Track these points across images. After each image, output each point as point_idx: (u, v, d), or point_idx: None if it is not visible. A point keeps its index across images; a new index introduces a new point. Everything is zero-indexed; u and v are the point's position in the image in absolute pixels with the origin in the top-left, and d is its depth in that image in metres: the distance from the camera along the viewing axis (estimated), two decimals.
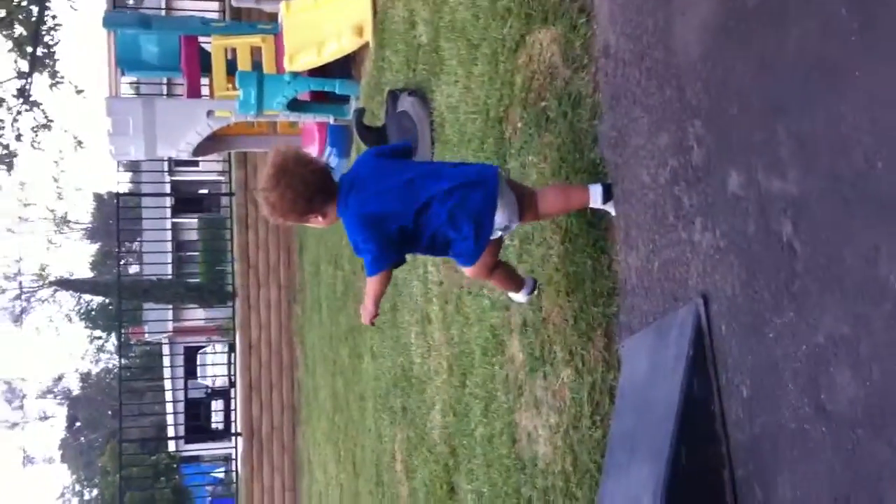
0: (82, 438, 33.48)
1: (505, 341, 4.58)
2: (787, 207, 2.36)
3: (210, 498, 23.46)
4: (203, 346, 24.24)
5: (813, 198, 2.27)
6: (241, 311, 13.85)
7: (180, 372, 24.75)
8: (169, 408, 24.36)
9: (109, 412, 27.19)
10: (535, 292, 4.16)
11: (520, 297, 4.20)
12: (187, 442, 23.81)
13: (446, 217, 3.42)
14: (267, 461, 13.45)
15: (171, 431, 24.30)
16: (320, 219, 3.58)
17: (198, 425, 23.36)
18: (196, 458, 25.61)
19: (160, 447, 23.69)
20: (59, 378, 37.18)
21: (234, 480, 14.78)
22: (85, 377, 35.95)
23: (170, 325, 25.49)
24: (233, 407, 15.03)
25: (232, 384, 16.26)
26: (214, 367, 22.95)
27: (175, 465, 22.02)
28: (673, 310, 3.03)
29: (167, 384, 25.03)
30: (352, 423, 9.21)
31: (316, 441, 11.80)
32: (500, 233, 3.62)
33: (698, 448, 2.73)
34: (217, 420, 22.43)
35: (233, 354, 15.15)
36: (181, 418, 23.34)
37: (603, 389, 3.58)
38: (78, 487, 32.07)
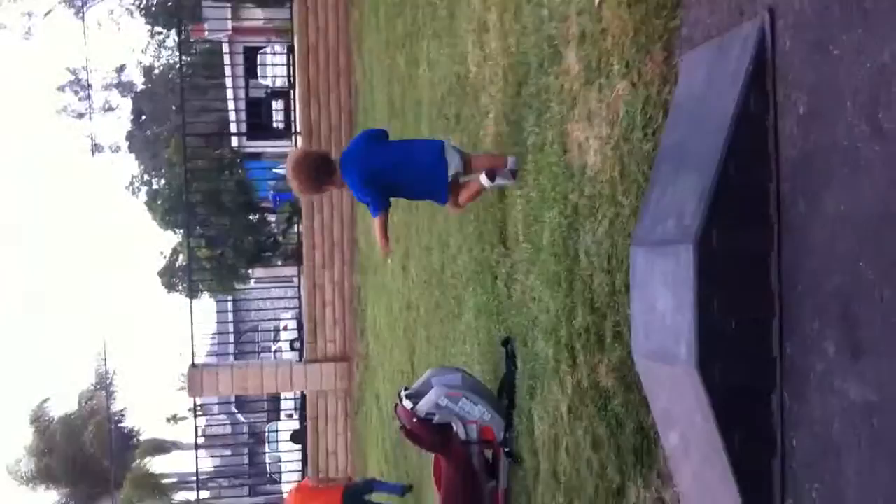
0: (148, 131, 34.45)
1: (562, 52, 4.50)
2: None
3: (272, 192, 24.36)
4: (262, 47, 24.14)
5: None
6: (299, 13, 13.65)
7: (241, 71, 24.84)
8: (231, 105, 24.74)
9: (173, 107, 27.75)
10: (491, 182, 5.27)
11: (484, 180, 5.30)
12: (249, 139, 24.38)
13: (420, 175, 5.18)
14: None
15: (233, 128, 24.86)
16: (331, 187, 5.34)
17: (259, 123, 23.78)
18: (258, 155, 26.35)
19: (223, 142, 24.35)
20: (122, 68, 37.63)
21: None
22: (147, 71, 36.34)
23: (229, 25, 25.27)
24: (292, 107, 15.21)
25: (291, 85, 16.37)
26: (274, 67, 22.98)
27: (238, 160, 22.68)
28: (738, 24, 2.94)
29: (228, 82, 25.25)
30: (407, 128, 9.32)
31: None
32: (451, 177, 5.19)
33: (748, 161, 2.75)
34: (278, 119, 22.78)
35: (291, 56, 15.11)
36: (242, 116, 23.74)
37: (657, 103, 3.56)
38: (146, 177, 33.44)
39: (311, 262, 13.74)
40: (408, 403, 5.56)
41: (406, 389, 5.75)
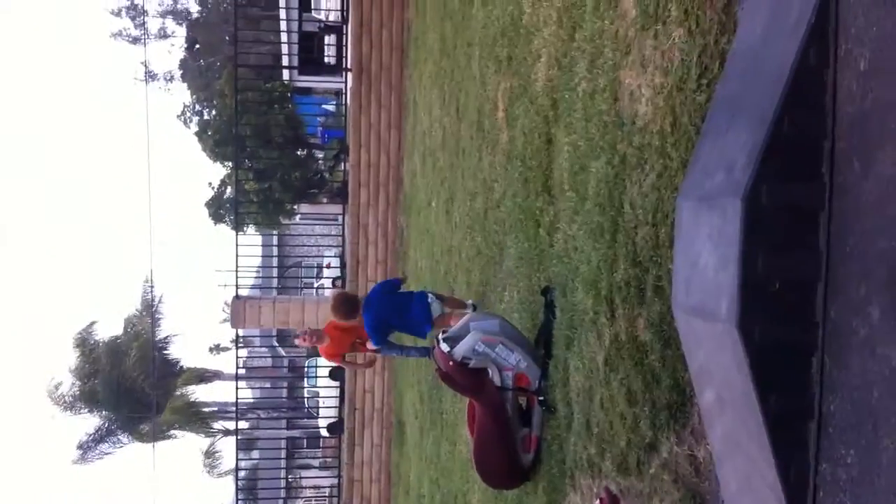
0: (201, 60, 34.53)
1: None
2: None
3: (321, 128, 24.35)
4: None
5: None
6: None
7: (295, 3, 24.67)
8: (283, 38, 24.63)
9: (227, 37, 27.72)
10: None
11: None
12: (300, 73, 24.30)
13: (413, 321, 7.53)
14: (375, 98, 13.74)
15: (284, 62, 24.79)
16: (354, 320, 7.52)
17: (311, 58, 23.67)
18: (308, 91, 26.29)
19: (274, 75, 24.31)
20: None
21: (344, 114, 15.24)
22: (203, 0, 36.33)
23: None
24: (344, 43, 15.11)
25: (344, 20, 16.25)
26: (328, 1, 22.79)
27: (289, 94, 22.63)
28: None
29: (282, 13, 25.12)
30: (458, 68, 9.22)
31: (422, 83, 11.92)
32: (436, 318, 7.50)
33: (803, 116, 2.65)
34: (329, 55, 22.66)
35: None
36: (295, 49, 23.64)
37: (714, 53, 3.46)
38: (197, 107, 33.59)
39: (356, 200, 13.77)
40: (445, 346, 5.56)
41: (444, 332, 5.75)
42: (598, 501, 4.17)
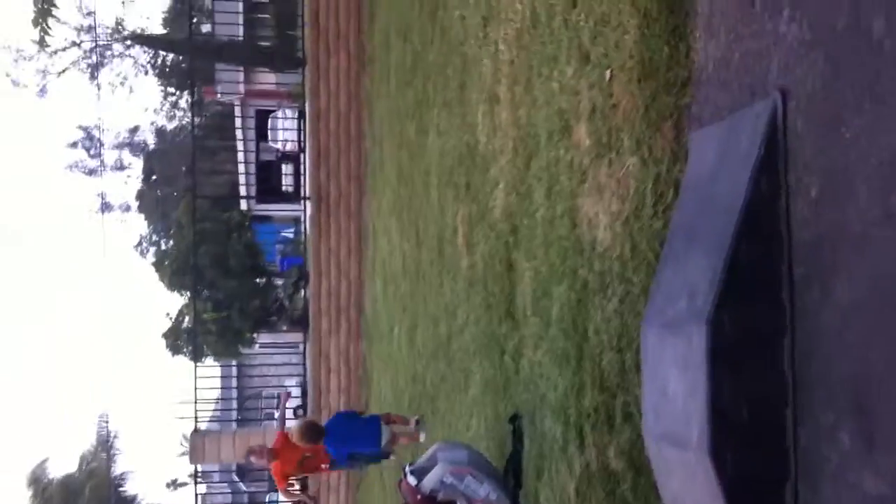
0: (158, 191, 34.65)
1: (572, 126, 4.50)
2: (883, 3, 2.21)
3: (280, 256, 24.36)
4: (274, 111, 24.37)
5: None
6: (311, 78, 13.81)
7: (252, 134, 25.05)
8: (241, 168, 24.90)
9: (184, 168, 27.97)
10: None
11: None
12: (259, 202, 24.47)
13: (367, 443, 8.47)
14: (334, 226, 13.83)
15: (242, 191, 24.98)
16: (319, 445, 8.24)
17: (269, 187, 23.89)
18: (267, 218, 26.43)
19: (232, 205, 24.46)
20: (135, 129, 37.90)
21: (304, 241, 15.29)
22: (160, 132, 36.69)
23: (241, 88, 25.57)
24: (302, 171, 15.30)
25: (301, 149, 16.48)
26: (285, 131, 23.17)
27: (247, 223, 22.72)
28: (749, 104, 2.92)
29: (239, 145, 25.46)
30: (416, 196, 9.34)
31: (381, 210, 12.05)
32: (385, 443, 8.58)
33: (759, 244, 2.71)
34: (287, 183, 22.90)
35: (302, 121, 15.23)
36: (252, 179, 23.88)
37: (668, 181, 3.54)
38: (154, 238, 33.56)
39: (317, 328, 13.69)
40: (412, 479, 5.45)
41: (411, 465, 5.64)
42: None
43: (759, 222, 2.71)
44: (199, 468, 16.38)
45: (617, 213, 3.93)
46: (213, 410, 22.47)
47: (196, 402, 14.23)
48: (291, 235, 25.44)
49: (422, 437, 8.67)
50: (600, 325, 4.06)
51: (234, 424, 20.57)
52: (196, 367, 15.42)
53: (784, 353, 2.64)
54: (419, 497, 5.43)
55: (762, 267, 2.71)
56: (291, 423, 8.79)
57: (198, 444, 13.38)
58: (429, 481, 5.41)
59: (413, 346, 9.54)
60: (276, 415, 24.56)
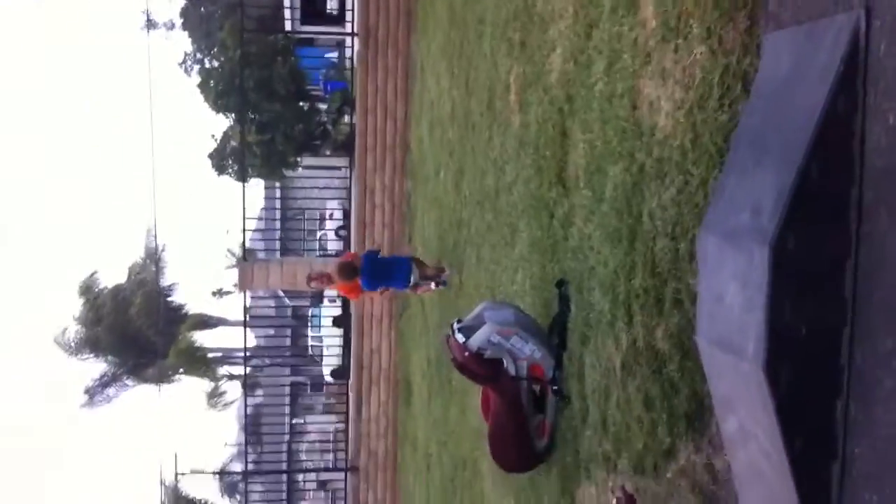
0: (202, 9, 34.04)
1: (639, 2, 4.36)
2: None
3: (324, 80, 24.15)
4: None
5: None
6: None
7: None
8: None
9: None
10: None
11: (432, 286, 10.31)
12: (302, 24, 24.02)
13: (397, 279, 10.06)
14: (381, 63, 13.61)
15: (287, 13, 24.52)
16: (357, 280, 9.71)
17: (313, 9, 23.38)
18: (311, 41, 26.00)
19: (277, 26, 24.06)
20: None
21: (347, 67, 15.08)
22: None
23: None
24: None
25: None
26: None
27: (291, 46, 22.39)
28: (831, 14, 2.82)
29: None
30: (467, 43, 9.14)
31: (431, 52, 11.81)
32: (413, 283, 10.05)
33: (831, 164, 2.68)
34: (332, 7, 22.40)
35: None
36: (297, 1, 23.38)
37: (737, 73, 3.46)
38: (199, 56, 33.18)
39: (362, 164, 13.74)
40: (460, 337, 5.64)
41: (459, 322, 5.82)
42: (614, 501, 4.28)
43: (833, 142, 2.67)
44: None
45: (680, 101, 3.86)
46: (257, 229, 22.85)
47: (244, 226, 14.46)
48: (336, 60, 25.12)
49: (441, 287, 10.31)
50: (655, 210, 4.07)
51: (277, 243, 21.12)
52: (244, 190, 15.40)
53: (846, 276, 2.67)
54: (466, 354, 5.64)
55: (831, 189, 2.69)
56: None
57: (246, 273, 13.79)
58: (475, 340, 5.61)
59: (459, 192, 9.59)
60: (318, 235, 25.13)
